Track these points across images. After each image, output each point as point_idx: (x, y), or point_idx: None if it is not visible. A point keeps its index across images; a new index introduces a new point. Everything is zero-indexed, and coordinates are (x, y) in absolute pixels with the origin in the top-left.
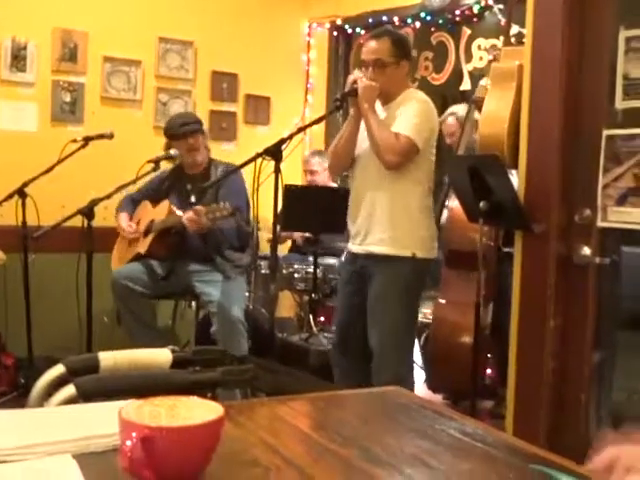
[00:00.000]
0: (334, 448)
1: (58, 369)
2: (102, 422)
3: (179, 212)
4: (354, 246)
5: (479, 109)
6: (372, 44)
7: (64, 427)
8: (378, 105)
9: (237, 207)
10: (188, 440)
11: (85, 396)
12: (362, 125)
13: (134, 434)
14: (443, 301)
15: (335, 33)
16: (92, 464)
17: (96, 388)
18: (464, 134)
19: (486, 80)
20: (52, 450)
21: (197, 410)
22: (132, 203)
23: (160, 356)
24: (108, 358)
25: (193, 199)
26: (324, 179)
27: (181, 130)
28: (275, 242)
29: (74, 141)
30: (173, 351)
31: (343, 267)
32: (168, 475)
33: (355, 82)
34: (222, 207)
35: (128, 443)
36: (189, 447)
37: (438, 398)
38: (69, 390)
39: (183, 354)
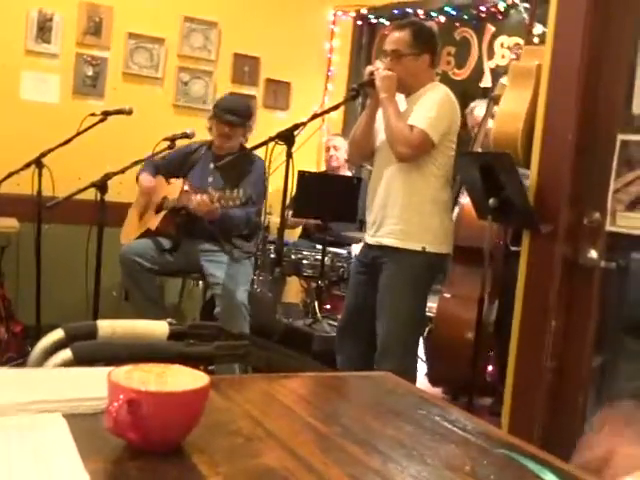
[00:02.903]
0: (316, 424)
1: (57, 333)
2: (94, 386)
3: (188, 189)
4: (368, 237)
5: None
6: (394, 34)
7: (58, 388)
8: (401, 97)
9: (250, 197)
10: (172, 405)
11: (81, 360)
12: (381, 115)
13: (121, 396)
14: (448, 295)
15: (359, 22)
16: (81, 424)
17: (92, 353)
18: (481, 130)
19: (506, 78)
20: (44, 408)
21: (184, 378)
22: (154, 168)
23: (157, 328)
24: (106, 326)
25: (211, 179)
26: (344, 156)
27: (225, 117)
28: (282, 226)
29: (93, 115)
30: (170, 324)
31: (357, 256)
32: (151, 438)
33: (372, 73)
34: (235, 196)
35: (115, 405)
36: (173, 412)
37: (438, 392)
38: (66, 354)
39: (180, 327)
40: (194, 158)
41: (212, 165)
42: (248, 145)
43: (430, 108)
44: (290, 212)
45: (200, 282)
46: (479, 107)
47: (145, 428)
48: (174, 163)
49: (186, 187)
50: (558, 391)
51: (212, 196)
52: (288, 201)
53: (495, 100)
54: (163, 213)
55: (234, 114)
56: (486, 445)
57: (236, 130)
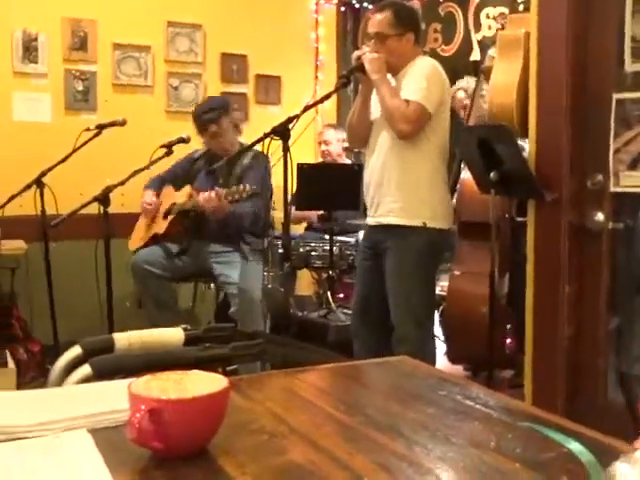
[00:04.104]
0: (338, 415)
1: (75, 350)
2: (116, 399)
3: (199, 195)
4: (369, 218)
5: (488, 79)
6: (376, 17)
7: (80, 404)
8: (390, 78)
9: (256, 190)
10: (193, 411)
11: (100, 375)
12: (374, 98)
13: (142, 407)
14: (458, 272)
15: (343, 9)
16: (106, 438)
17: (110, 367)
18: (474, 105)
19: (494, 49)
20: (68, 426)
21: (203, 383)
22: (161, 182)
23: (172, 335)
24: (122, 338)
25: (215, 184)
26: (337, 150)
27: (200, 121)
28: (287, 220)
29: (88, 130)
30: (185, 330)
31: (362, 241)
32: (175, 445)
33: (359, 58)
34: (241, 189)
35: (137, 415)
36: (194, 418)
37: (458, 369)
38: (85, 370)
39: (195, 332)
40: (198, 166)
41: (216, 169)
42: (246, 141)
43: (419, 80)
44: (293, 206)
45: (212, 285)
46: (460, 91)
47: (169, 436)
48: (180, 173)
49: (194, 191)
50: (577, 357)
51: (219, 193)
52: (290, 195)
53: (485, 73)
54: (171, 217)
55: (207, 112)
56: (509, 419)
57: (220, 125)
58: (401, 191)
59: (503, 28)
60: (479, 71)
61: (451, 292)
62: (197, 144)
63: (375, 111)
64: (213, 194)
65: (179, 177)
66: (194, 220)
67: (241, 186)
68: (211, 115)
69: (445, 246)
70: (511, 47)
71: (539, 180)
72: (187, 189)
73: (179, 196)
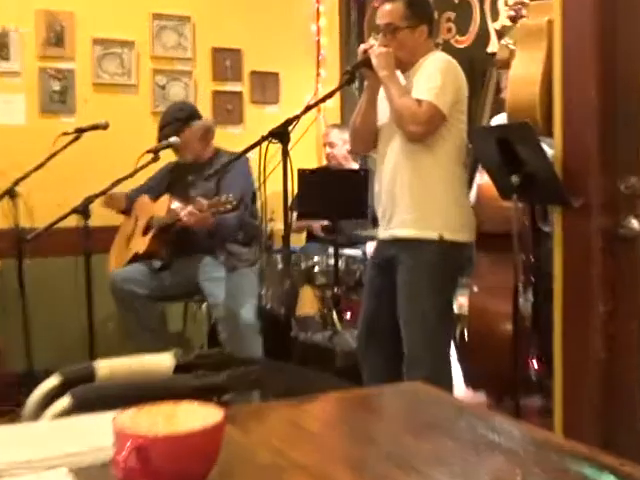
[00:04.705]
0: (346, 448)
1: (53, 380)
2: (99, 434)
3: (177, 204)
4: (380, 231)
5: (499, 72)
6: (385, 7)
7: (60, 441)
8: (399, 74)
9: (242, 199)
10: (185, 449)
11: (81, 407)
12: (382, 96)
13: (128, 444)
14: (477, 289)
15: None
16: (89, 477)
17: (92, 398)
18: (487, 99)
19: (507, 39)
20: (48, 465)
21: (196, 416)
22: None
23: (161, 362)
24: (105, 366)
25: (193, 192)
26: (343, 153)
27: (164, 133)
28: (287, 233)
29: (66, 133)
30: (175, 355)
31: (371, 256)
32: None
33: (366, 52)
34: (225, 200)
35: (123, 454)
36: (186, 456)
37: (479, 396)
38: (64, 401)
39: (186, 358)
40: (172, 177)
41: (190, 177)
42: (241, 146)
43: (433, 77)
44: (294, 215)
45: (203, 304)
46: None
47: (157, 476)
48: (151, 189)
49: (174, 203)
50: (613, 382)
51: (202, 205)
52: (290, 204)
53: (498, 65)
54: (151, 233)
55: (169, 124)
56: (536, 452)
57: (187, 134)
58: (415, 200)
59: (516, 15)
60: (492, 63)
61: (470, 310)
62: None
63: (383, 112)
64: (195, 207)
65: (156, 190)
66: (177, 234)
67: (224, 196)
68: (169, 129)
69: (465, 261)
70: (533, 37)
71: (565, 184)
72: (165, 199)
73: (157, 208)
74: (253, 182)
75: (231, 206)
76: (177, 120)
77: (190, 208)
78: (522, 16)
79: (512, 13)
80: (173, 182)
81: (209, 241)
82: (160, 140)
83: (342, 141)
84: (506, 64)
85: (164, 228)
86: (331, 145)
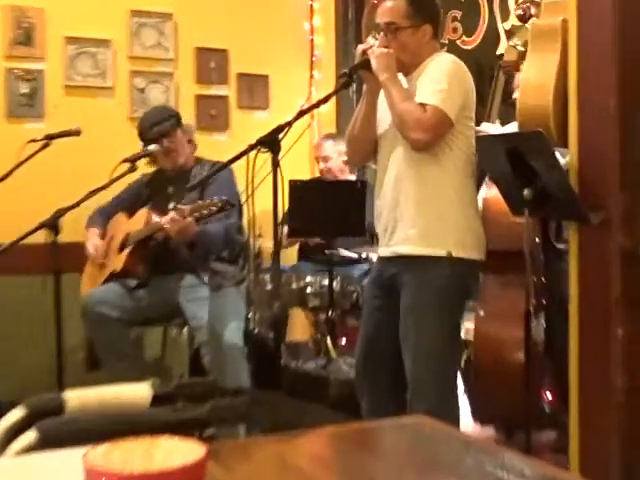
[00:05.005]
0: None
1: (18, 412)
2: (68, 472)
3: (157, 219)
4: (381, 248)
5: (507, 75)
6: (386, 4)
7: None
8: (401, 77)
9: (227, 202)
10: None
11: (48, 442)
12: (382, 101)
13: None
14: (483, 313)
15: None
16: None
17: (61, 432)
18: (493, 106)
19: (515, 40)
20: None
21: (175, 452)
22: (104, 217)
23: (137, 393)
24: (75, 397)
25: (172, 205)
26: (340, 165)
27: (152, 133)
28: (277, 250)
29: (34, 140)
30: (153, 386)
31: (371, 276)
32: None
33: (365, 52)
34: (208, 202)
35: None
36: None
37: (488, 431)
38: (30, 436)
39: (165, 388)
40: (150, 190)
41: (170, 189)
42: (227, 155)
43: (438, 80)
44: (284, 231)
45: (184, 329)
46: None
47: None
48: (127, 202)
49: (154, 218)
50: (635, 415)
51: (183, 211)
52: (280, 218)
53: (504, 68)
54: (129, 249)
55: (156, 124)
56: None
57: (173, 137)
58: (420, 213)
59: (524, 14)
60: (498, 66)
61: (477, 337)
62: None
63: (383, 119)
64: (176, 214)
65: (128, 206)
66: (156, 249)
67: (207, 199)
68: (162, 127)
69: (474, 282)
70: (546, 38)
71: (582, 198)
72: (143, 213)
73: (134, 223)
74: (239, 194)
75: (216, 208)
76: (165, 120)
77: (172, 215)
78: (531, 15)
79: (520, 12)
80: (151, 195)
81: (191, 257)
82: (147, 144)
83: (337, 153)
84: (514, 67)
85: (142, 242)
86: (325, 159)
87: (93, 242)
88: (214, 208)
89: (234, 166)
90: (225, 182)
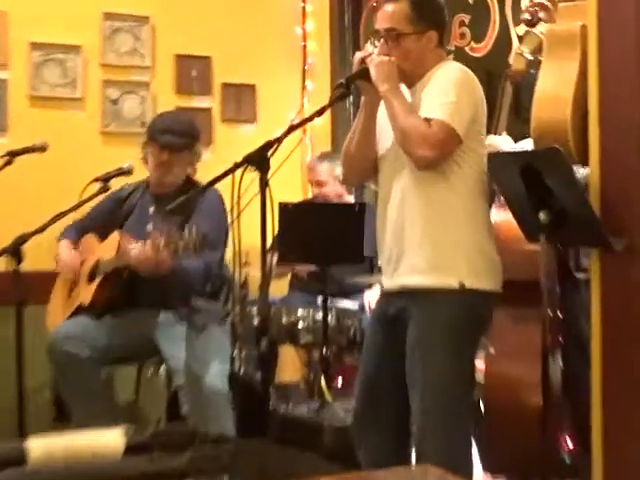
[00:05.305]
0: None
1: None
2: None
3: (132, 244)
4: (385, 280)
5: (514, 85)
6: (387, 8)
7: None
8: (404, 89)
9: (205, 237)
10: None
11: None
12: (382, 115)
13: None
14: (493, 351)
15: None
16: None
17: None
18: (500, 120)
19: (523, 47)
20: None
21: None
22: (78, 232)
23: (108, 441)
24: (38, 446)
25: (150, 227)
26: (337, 191)
27: (162, 139)
28: (265, 280)
29: None
30: (126, 433)
31: (374, 311)
32: None
33: (363, 61)
34: (186, 237)
35: None
36: None
37: None
38: None
39: (139, 437)
40: (129, 204)
41: (152, 209)
42: (210, 174)
43: (445, 91)
44: (274, 258)
45: (161, 367)
46: None
47: None
48: (104, 217)
49: (129, 243)
50: None
51: (156, 243)
52: (269, 244)
53: (511, 78)
54: (98, 280)
55: (174, 134)
56: None
57: (179, 156)
58: (428, 239)
59: (532, 19)
60: (505, 75)
61: (488, 377)
62: (140, 176)
63: (385, 134)
64: (148, 247)
65: (104, 222)
66: (129, 281)
67: (185, 232)
68: (178, 140)
69: (490, 314)
70: (563, 46)
71: (604, 222)
72: (114, 238)
73: (105, 249)
74: (228, 227)
75: (193, 245)
76: (182, 136)
77: (141, 250)
78: (539, 20)
79: (527, 17)
80: (129, 213)
81: (168, 291)
82: (147, 142)
83: (333, 178)
84: (521, 77)
85: (113, 272)
86: (320, 184)
87: (65, 254)
88: (191, 245)
89: (218, 186)
90: (215, 212)
